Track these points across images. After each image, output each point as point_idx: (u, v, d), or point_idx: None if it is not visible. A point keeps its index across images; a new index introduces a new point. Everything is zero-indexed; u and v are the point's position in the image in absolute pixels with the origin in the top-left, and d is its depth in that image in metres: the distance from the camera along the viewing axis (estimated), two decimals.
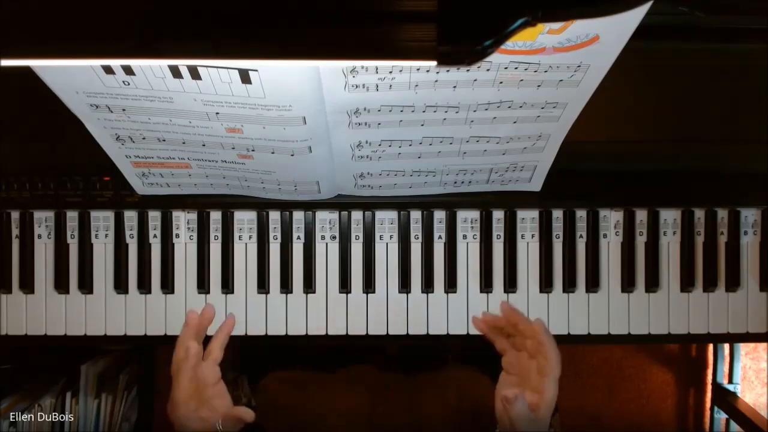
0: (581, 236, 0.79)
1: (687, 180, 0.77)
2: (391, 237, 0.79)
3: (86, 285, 0.78)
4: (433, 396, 0.82)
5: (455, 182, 0.74)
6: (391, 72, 0.56)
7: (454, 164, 0.70)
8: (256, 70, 0.53)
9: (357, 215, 0.79)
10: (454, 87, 0.59)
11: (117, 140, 0.66)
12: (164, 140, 0.65)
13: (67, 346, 0.88)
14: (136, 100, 0.58)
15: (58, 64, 0.54)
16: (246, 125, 0.61)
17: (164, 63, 0.52)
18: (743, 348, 1.41)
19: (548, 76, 0.58)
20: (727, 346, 1.39)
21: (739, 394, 1.35)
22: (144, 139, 0.65)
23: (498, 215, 0.79)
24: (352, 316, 0.79)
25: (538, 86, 0.59)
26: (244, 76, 0.54)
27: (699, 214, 0.79)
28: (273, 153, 0.65)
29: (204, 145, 0.65)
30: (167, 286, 0.78)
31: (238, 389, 0.80)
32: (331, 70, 0.55)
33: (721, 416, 1.39)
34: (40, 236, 0.79)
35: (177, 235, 0.79)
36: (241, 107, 0.58)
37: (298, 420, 0.75)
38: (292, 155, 0.65)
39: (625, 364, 1.45)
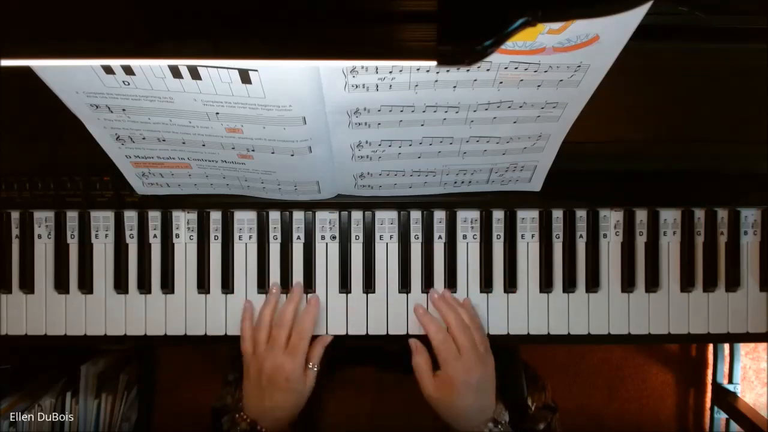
0: (581, 236, 0.79)
1: (687, 180, 0.77)
2: (391, 237, 0.79)
3: (86, 285, 0.78)
4: None
5: (455, 182, 0.74)
6: (391, 72, 0.56)
7: (454, 164, 0.70)
8: (256, 70, 0.53)
9: (357, 215, 0.79)
10: (454, 87, 0.59)
11: (117, 140, 0.66)
12: (164, 140, 0.65)
13: (67, 346, 0.88)
14: (136, 100, 0.58)
15: (58, 64, 0.54)
16: (246, 125, 0.61)
17: (164, 63, 0.52)
18: (743, 348, 1.41)
19: (548, 76, 0.58)
20: (727, 346, 1.39)
21: (739, 394, 1.36)
22: (144, 139, 0.65)
23: (498, 215, 0.79)
24: (352, 316, 0.79)
25: (538, 86, 0.59)
26: (244, 76, 0.54)
27: (699, 214, 0.79)
28: (273, 153, 0.65)
29: (204, 145, 0.65)
30: (167, 286, 0.78)
31: None
32: (331, 70, 0.55)
33: (721, 416, 1.39)
34: (40, 236, 0.79)
35: (177, 235, 0.79)
36: (241, 107, 0.58)
37: (300, 421, 0.76)
38: (292, 155, 0.65)
39: (625, 364, 1.45)
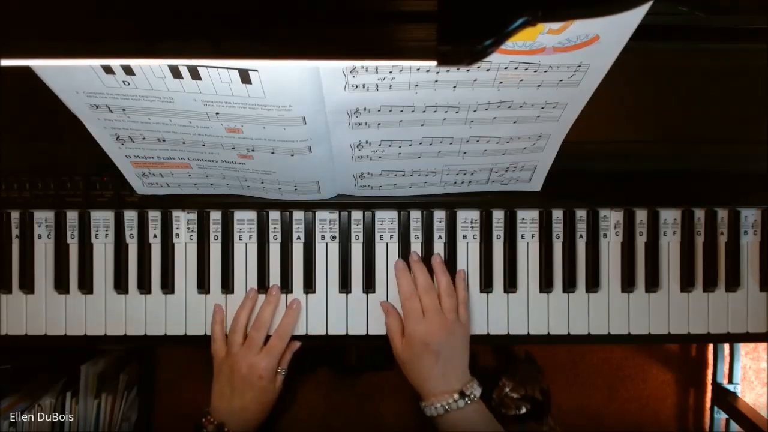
0: (581, 236, 0.79)
1: (687, 180, 0.77)
2: (391, 237, 0.79)
3: (86, 285, 0.78)
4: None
5: (455, 182, 0.74)
6: (391, 72, 0.56)
7: (454, 164, 0.70)
8: (256, 70, 0.53)
9: (357, 215, 0.79)
10: (454, 87, 0.59)
11: (117, 140, 0.66)
12: (164, 140, 0.65)
13: (67, 346, 0.88)
14: (136, 100, 0.58)
15: (58, 64, 0.54)
16: (246, 125, 0.61)
17: (164, 63, 0.52)
18: (743, 348, 1.41)
19: (548, 76, 0.58)
20: (727, 346, 1.38)
21: (739, 394, 1.36)
22: (144, 139, 0.65)
23: (498, 215, 0.79)
24: (352, 316, 0.79)
25: (538, 86, 0.59)
26: (244, 76, 0.54)
27: (699, 214, 0.79)
28: (273, 153, 0.65)
29: (204, 145, 0.65)
30: (167, 286, 0.78)
31: None
32: (331, 70, 0.55)
33: (721, 416, 1.39)
34: (40, 236, 0.79)
35: (177, 235, 0.79)
36: (241, 107, 0.58)
37: (264, 427, 0.76)
38: (292, 155, 0.65)
39: (625, 364, 1.45)
